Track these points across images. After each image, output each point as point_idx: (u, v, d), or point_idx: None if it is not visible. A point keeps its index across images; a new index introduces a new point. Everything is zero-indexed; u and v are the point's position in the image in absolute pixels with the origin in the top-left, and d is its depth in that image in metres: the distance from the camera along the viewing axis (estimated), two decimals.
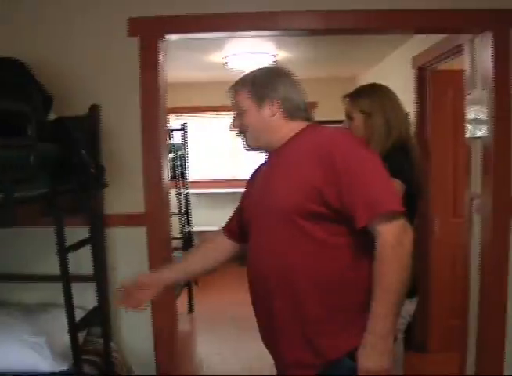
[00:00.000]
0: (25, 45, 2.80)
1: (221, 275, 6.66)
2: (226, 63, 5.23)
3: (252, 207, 1.92)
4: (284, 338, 1.77)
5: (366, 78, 6.21)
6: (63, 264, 2.31)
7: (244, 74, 1.94)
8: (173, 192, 5.12)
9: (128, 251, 2.93)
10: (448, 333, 3.90)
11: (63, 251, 2.30)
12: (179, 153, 4.95)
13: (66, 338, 2.48)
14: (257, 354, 4.18)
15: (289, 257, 1.72)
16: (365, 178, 1.63)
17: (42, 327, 2.63)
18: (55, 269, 2.74)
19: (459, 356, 3.31)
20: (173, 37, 2.91)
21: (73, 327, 2.32)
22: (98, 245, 2.62)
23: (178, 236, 5.18)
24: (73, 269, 2.76)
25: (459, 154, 3.90)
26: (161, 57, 2.84)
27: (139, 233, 2.89)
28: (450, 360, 3.53)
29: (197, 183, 7.21)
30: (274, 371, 1.97)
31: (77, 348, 2.32)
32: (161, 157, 2.87)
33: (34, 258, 2.79)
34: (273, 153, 1.88)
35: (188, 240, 5.34)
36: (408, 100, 4.23)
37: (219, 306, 5.49)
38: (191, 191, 6.68)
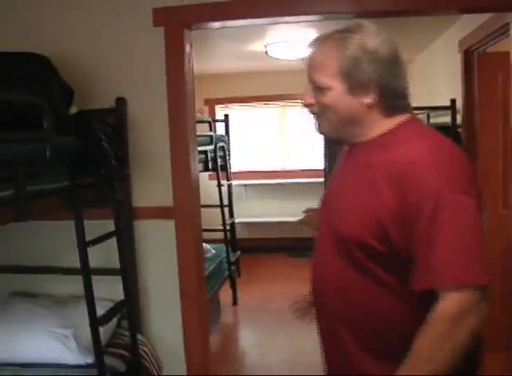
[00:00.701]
0: (50, 38, 2.81)
1: (268, 265, 6.66)
2: (267, 51, 5.14)
3: (321, 211, 1.66)
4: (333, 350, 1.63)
5: (413, 66, 5.99)
6: (83, 258, 2.29)
7: (337, 29, 1.46)
8: (214, 183, 5.11)
9: (157, 245, 2.91)
10: (494, 331, 3.71)
11: (83, 245, 2.29)
12: (221, 144, 4.90)
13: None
14: (298, 349, 4.13)
15: (336, 281, 1.52)
16: (445, 232, 1.28)
17: (70, 320, 2.64)
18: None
19: (504, 356, 3.14)
20: (214, 25, 2.86)
21: (94, 321, 2.30)
22: (123, 238, 2.60)
23: (220, 228, 5.14)
24: (103, 262, 2.80)
25: (509, 143, 3.69)
26: (188, 47, 2.78)
27: (168, 227, 2.85)
28: (495, 360, 3.36)
29: (244, 174, 7.18)
30: (314, 367, 1.86)
31: (98, 342, 2.31)
32: (189, 149, 2.82)
33: (65, 251, 2.78)
34: (352, 150, 1.55)
35: (231, 232, 5.28)
36: (456, 87, 4.05)
37: (263, 299, 5.43)
38: (237, 182, 6.65)
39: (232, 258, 5.08)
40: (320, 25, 4.29)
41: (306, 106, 1.53)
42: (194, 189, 2.88)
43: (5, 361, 2.60)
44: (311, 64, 1.47)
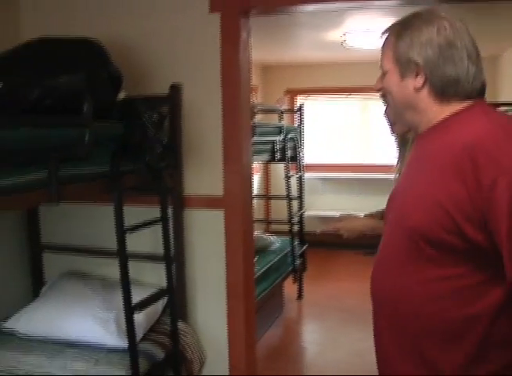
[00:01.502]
0: (106, 24, 2.84)
1: (339, 262, 6.52)
2: (344, 41, 4.98)
3: (387, 208, 1.59)
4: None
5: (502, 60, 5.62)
6: (121, 244, 2.30)
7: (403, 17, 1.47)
8: (282, 175, 5.04)
9: (206, 235, 2.88)
10: None
11: (121, 231, 2.30)
12: (291, 135, 4.81)
13: (134, 317, 2.51)
14: (359, 351, 4.00)
15: (397, 279, 1.44)
16: None
17: (114, 304, 2.66)
18: (134, 245, 2.82)
19: None
20: (271, 10, 2.76)
21: (129, 307, 2.31)
22: (167, 226, 2.59)
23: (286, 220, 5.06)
24: (153, 248, 2.81)
25: None
26: (244, 34, 2.72)
27: (218, 217, 2.82)
28: None
29: (322, 167, 7.06)
30: (372, 372, 1.76)
31: (131, 328, 2.32)
32: (242, 139, 2.77)
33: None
34: (418, 139, 1.50)
35: (299, 224, 5.19)
36: None
37: (330, 295, 5.32)
38: (313, 175, 6.55)
39: (298, 252, 4.98)
40: (398, 12, 4.12)
41: (377, 91, 1.55)
42: (245, 180, 2.82)
43: (51, 337, 2.67)
44: (381, 51, 1.50)
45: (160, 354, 2.62)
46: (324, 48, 5.65)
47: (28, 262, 3.25)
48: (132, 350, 2.33)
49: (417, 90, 1.40)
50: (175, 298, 2.71)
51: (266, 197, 7.18)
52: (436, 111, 1.40)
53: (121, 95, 2.42)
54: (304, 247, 5.19)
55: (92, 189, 2.31)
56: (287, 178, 4.84)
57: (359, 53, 5.59)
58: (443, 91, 1.38)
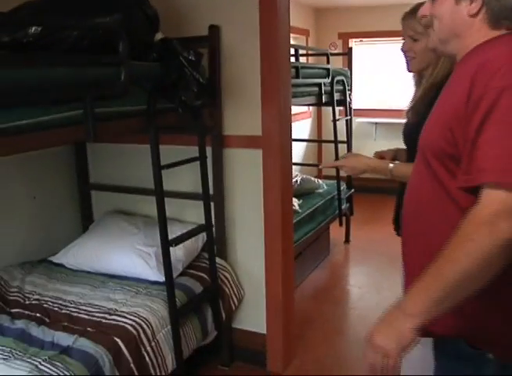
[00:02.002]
0: None
1: (387, 207, 6.47)
2: None
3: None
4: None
5: None
6: (157, 181, 2.38)
7: None
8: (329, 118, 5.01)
9: (246, 174, 2.94)
10: None
11: (158, 168, 2.38)
12: (339, 78, 4.73)
13: (175, 252, 2.62)
14: (399, 293, 4.02)
15: (414, 197, 1.49)
16: (494, 130, 1.19)
17: (156, 240, 2.76)
18: (178, 185, 2.90)
19: None
20: None
21: (165, 241, 2.41)
22: (205, 165, 2.65)
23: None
24: (195, 188, 2.88)
25: None
26: None
27: (256, 156, 2.86)
28: None
29: (375, 112, 6.95)
30: None
31: (167, 261, 2.43)
32: (281, 81, 2.77)
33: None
34: (455, 67, 1.49)
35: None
36: None
37: (376, 240, 5.31)
38: (367, 120, 6.46)
39: (345, 196, 4.99)
40: None
41: (421, 17, 1.53)
42: (284, 120, 2.83)
43: (96, 270, 2.84)
44: None
45: (198, 288, 2.73)
46: None
47: (78, 200, 3.42)
48: (169, 282, 2.44)
49: (472, 16, 1.36)
50: (213, 234, 2.80)
51: (312, 140, 7.15)
52: (484, 38, 1.37)
53: (158, 37, 2.45)
54: (351, 192, 5.17)
55: (131, 127, 2.38)
56: (334, 121, 4.80)
57: None
58: (498, 18, 1.34)
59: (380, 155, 2.35)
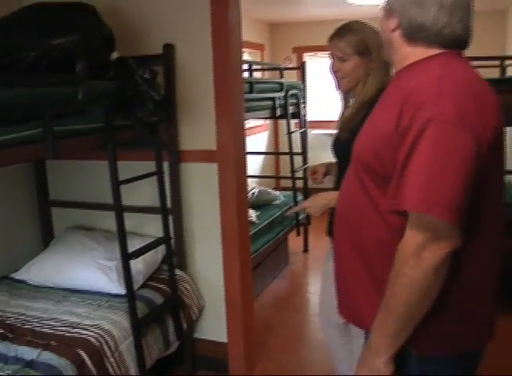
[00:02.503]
0: None
1: None
2: None
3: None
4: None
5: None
6: (116, 196, 2.45)
7: None
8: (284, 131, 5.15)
9: (202, 187, 3.03)
10: None
11: (116, 183, 2.45)
12: (293, 91, 4.87)
13: (135, 265, 2.69)
14: None
15: (343, 205, 1.61)
16: (421, 159, 1.26)
17: (116, 253, 2.81)
18: (137, 200, 2.97)
19: None
20: None
21: (125, 255, 2.48)
22: (162, 179, 2.74)
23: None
24: (153, 202, 2.95)
25: None
26: None
27: (211, 170, 2.96)
28: None
29: (328, 123, 7.11)
30: None
31: (128, 274, 2.49)
32: (234, 96, 2.87)
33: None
34: (392, 80, 1.61)
35: (304, 179, 5.28)
36: None
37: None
38: (319, 131, 6.61)
39: None
40: None
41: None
42: (237, 134, 2.93)
43: (58, 286, 2.88)
44: None
45: (158, 299, 2.80)
46: (328, 4, 5.66)
47: (38, 217, 3.44)
48: (130, 294, 2.51)
49: (392, 31, 1.49)
50: (171, 247, 2.88)
51: (268, 153, 7.29)
52: (406, 53, 1.48)
53: (114, 56, 2.54)
54: None
55: (89, 144, 2.45)
56: (289, 134, 4.93)
57: (362, 9, 5.59)
58: (411, 34, 1.45)
59: (313, 170, 2.49)
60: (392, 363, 1.40)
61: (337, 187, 2.35)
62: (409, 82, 1.40)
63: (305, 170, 5.06)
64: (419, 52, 1.45)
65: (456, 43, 1.44)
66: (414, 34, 1.44)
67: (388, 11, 1.49)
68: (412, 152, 1.28)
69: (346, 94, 2.35)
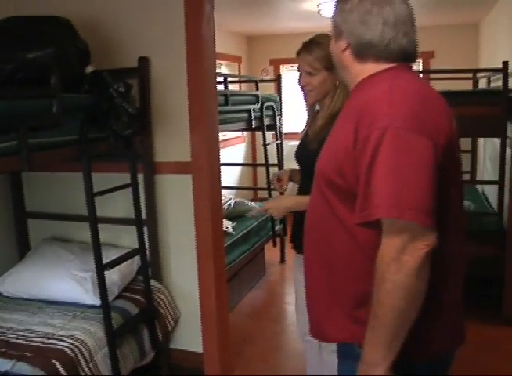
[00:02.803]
0: (75, 3, 3.00)
1: None
2: (320, 10, 5.09)
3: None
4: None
5: (490, 24, 5.71)
6: (90, 208, 2.48)
7: None
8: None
9: (177, 199, 3.07)
10: None
11: (91, 195, 2.48)
12: (269, 103, 4.93)
13: (110, 276, 2.71)
14: None
15: (309, 220, 1.64)
16: (384, 167, 1.30)
17: (92, 265, 2.83)
18: (113, 211, 3.00)
19: None
20: None
21: (100, 266, 2.50)
22: (137, 191, 2.77)
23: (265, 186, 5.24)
24: (129, 213, 2.98)
25: None
26: (207, 7, 2.85)
27: (186, 181, 3.00)
28: None
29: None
30: None
31: (102, 285, 2.52)
32: (207, 109, 2.92)
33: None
34: (348, 97, 1.66)
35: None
36: None
37: None
38: (296, 143, 6.66)
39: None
40: None
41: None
42: (211, 146, 2.98)
43: (34, 297, 2.89)
44: None
45: (133, 310, 2.82)
46: (303, 18, 5.76)
47: (14, 229, 3.44)
48: (105, 305, 2.53)
49: (343, 51, 1.54)
50: (146, 258, 2.91)
51: (244, 164, 7.35)
52: (357, 71, 1.54)
53: (89, 69, 2.57)
54: None
55: (64, 156, 2.47)
56: (265, 146, 4.99)
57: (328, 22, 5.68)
58: (359, 52, 1.51)
59: (278, 178, 2.55)
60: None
61: (300, 194, 2.42)
62: (362, 97, 1.46)
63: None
64: (369, 69, 1.52)
65: (404, 57, 1.51)
66: (363, 51, 1.50)
67: (337, 33, 1.55)
68: (374, 162, 1.32)
69: (311, 107, 2.41)
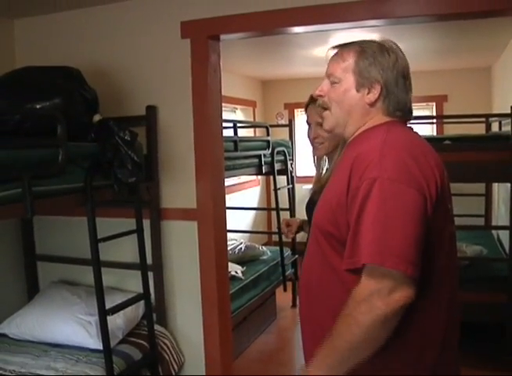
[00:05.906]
0: (87, 52, 3.12)
1: None
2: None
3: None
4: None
5: (501, 67, 5.74)
6: (94, 253, 2.52)
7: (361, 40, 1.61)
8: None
9: (183, 244, 3.10)
10: None
11: (94, 241, 2.52)
12: (280, 148, 4.99)
13: (115, 320, 2.73)
14: None
15: (306, 274, 1.65)
16: (371, 216, 1.35)
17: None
18: (120, 255, 3.04)
19: None
20: (238, 35, 2.99)
21: (103, 311, 2.52)
22: (142, 237, 2.81)
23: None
24: (135, 258, 3.01)
25: None
26: (214, 57, 2.94)
27: (192, 227, 3.03)
28: None
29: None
30: None
31: (105, 330, 2.53)
32: (213, 156, 2.98)
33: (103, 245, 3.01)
34: (346, 147, 1.65)
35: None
36: None
37: None
38: (309, 187, 6.68)
39: (287, 262, 5.13)
40: (378, 30, 4.29)
41: (317, 96, 1.65)
42: (217, 193, 3.02)
43: (39, 340, 2.93)
44: (331, 63, 1.61)
45: (137, 355, 2.83)
46: (314, 63, 5.85)
47: (24, 271, 3.50)
48: (107, 349, 2.54)
49: (370, 105, 1.54)
50: (151, 303, 2.93)
51: (255, 209, 7.35)
52: (365, 121, 1.56)
53: (96, 118, 2.65)
54: (295, 257, 5.33)
55: (69, 203, 2.53)
56: (275, 190, 5.01)
57: None
58: (394, 111, 1.55)
59: (287, 223, 2.53)
60: None
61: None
62: (358, 148, 1.49)
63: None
64: (374, 120, 1.55)
65: (406, 112, 1.57)
66: (397, 111, 1.55)
67: (365, 85, 1.52)
68: (363, 211, 1.36)
69: (319, 159, 2.39)
